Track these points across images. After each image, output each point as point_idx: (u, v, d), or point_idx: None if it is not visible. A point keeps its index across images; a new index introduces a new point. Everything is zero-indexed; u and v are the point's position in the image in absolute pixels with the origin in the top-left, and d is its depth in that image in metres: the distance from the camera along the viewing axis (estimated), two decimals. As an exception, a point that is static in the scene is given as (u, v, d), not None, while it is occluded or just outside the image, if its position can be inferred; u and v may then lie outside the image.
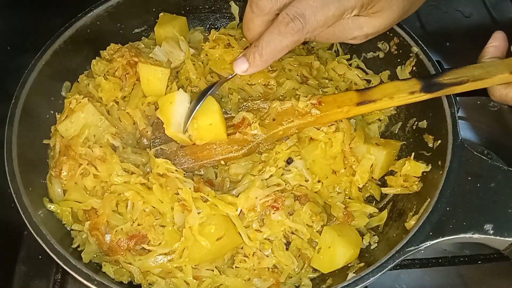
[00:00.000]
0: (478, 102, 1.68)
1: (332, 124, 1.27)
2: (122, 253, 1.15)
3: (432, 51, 1.32)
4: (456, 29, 1.85)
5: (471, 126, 1.64)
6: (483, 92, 1.67)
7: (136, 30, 1.54)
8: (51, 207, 1.20)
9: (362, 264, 1.13)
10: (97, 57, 1.44)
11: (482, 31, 1.82)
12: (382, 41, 1.40)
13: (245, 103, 1.32)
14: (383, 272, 1.03)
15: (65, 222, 1.21)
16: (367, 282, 1.03)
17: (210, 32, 1.50)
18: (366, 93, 1.21)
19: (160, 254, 1.14)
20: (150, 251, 1.15)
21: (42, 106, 1.32)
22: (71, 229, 1.21)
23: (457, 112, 1.21)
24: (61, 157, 1.25)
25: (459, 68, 1.18)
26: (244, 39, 1.49)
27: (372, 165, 1.28)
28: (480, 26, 1.87)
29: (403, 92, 1.18)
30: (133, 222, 1.16)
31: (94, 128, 1.27)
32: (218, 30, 1.52)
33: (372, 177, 1.31)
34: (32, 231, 1.08)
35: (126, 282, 1.15)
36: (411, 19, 1.83)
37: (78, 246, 1.18)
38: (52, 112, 1.33)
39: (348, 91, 1.21)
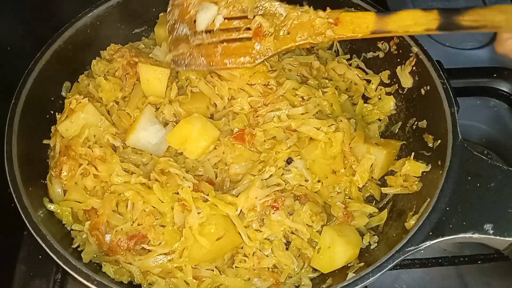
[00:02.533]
0: (478, 102, 1.68)
1: (332, 124, 1.27)
2: (122, 253, 1.15)
3: (432, 51, 1.31)
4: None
5: (471, 126, 1.64)
6: (483, 92, 1.69)
7: (136, 30, 1.54)
8: (51, 207, 1.20)
9: (362, 264, 1.13)
10: (97, 57, 1.44)
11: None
12: (382, 41, 1.40)
13: (262, 2, 1.25)
14: (383, 272, 1.03)
15: (65, 222, 1.21)
16: (367, 282, 1.03)
17: (210, 32, 1.50)
18: (384, 20, 1.16)
19: (160, 254, 1.14)
20: (150, 251, 1.15)
21: (42, 106, 1.32)
22: (71, 229, 1.21)
23: (457, 112, 1.21)
24: (61, 157, 1.25)
25: (481, 8, 1.09)
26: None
27: (372, 165, 1.28)
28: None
29: (420, 27, 1.13)
30: (133, 222, 1.16)
31: (94, 128, 1.27)
32: (218, 30, 1.52)
33: (372, 177, 1.31)
34: (32, 231, 1.08)
35: (126, 282, 1.15)
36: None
37: (78, 246, 1.18)
38: (52, 112, 1.33)
39: (367, 12, 1.21)
